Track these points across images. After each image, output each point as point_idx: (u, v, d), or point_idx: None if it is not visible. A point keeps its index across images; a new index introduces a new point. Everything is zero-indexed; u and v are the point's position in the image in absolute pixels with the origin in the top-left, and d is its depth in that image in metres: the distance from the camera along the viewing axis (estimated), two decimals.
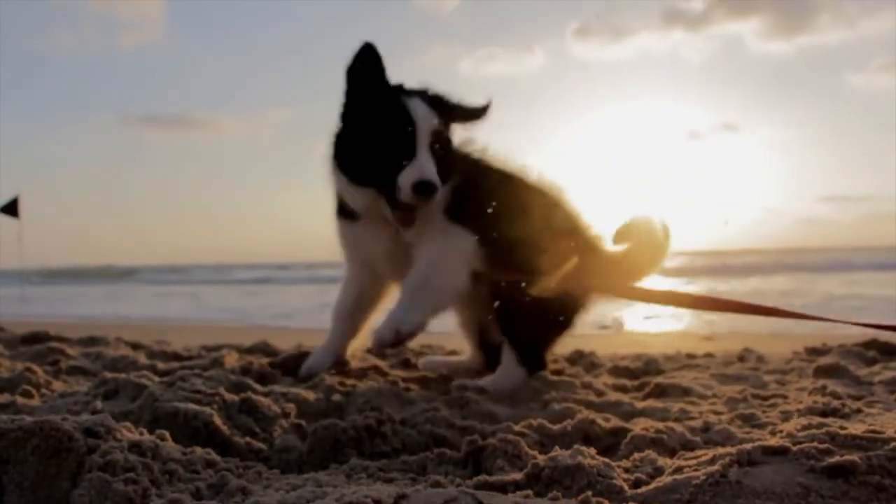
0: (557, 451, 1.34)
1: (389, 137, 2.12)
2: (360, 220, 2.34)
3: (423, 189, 2.05)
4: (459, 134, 2.32)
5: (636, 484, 1.29)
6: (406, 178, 2.07)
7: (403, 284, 2.26)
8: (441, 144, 2.17)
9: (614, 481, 1.25)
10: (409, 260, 2.29)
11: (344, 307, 2.60)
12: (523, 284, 2.22)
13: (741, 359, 3.28)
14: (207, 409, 1.74)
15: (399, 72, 2.22)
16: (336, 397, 2.09)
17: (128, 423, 1.53)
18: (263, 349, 3.19)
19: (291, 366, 2.57)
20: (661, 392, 2.35)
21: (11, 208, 11.90)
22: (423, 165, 2.08)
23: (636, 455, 1.48)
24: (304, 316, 8.34)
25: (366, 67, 2.18)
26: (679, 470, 1.29)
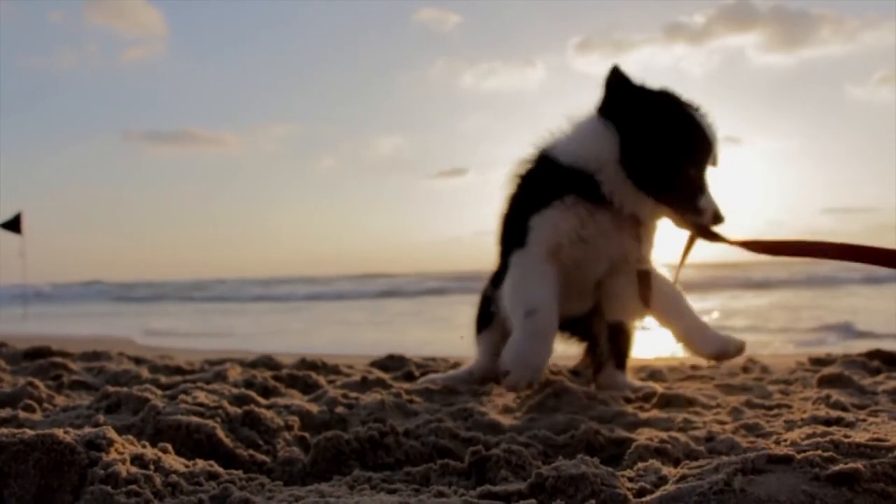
0: (561, 461, 1.34)
1: (697, 160, 2.23)
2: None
3: (721, 218, 2.23)
4: None
5: (640, 493, 1.28)
6: (709, 204, 2.21)
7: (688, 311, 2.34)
8: None
9: (618, 490, 1.24)
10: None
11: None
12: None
13: (745, 369, 3.27)
14: (210, 422, 1.74)
15: (400, 87, 2.22)
16: (339, 409, 2.09)
17: (130, 437, 1.53)
18: (266, 363, 3.19)
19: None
20: (664, 402, 2.35)
21: (14, 224, 11.94)
22: (715, 194, 2.24)
23: (640, 464, 1.47)
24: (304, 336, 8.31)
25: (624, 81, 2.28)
26: (683, 479, 1.28)
